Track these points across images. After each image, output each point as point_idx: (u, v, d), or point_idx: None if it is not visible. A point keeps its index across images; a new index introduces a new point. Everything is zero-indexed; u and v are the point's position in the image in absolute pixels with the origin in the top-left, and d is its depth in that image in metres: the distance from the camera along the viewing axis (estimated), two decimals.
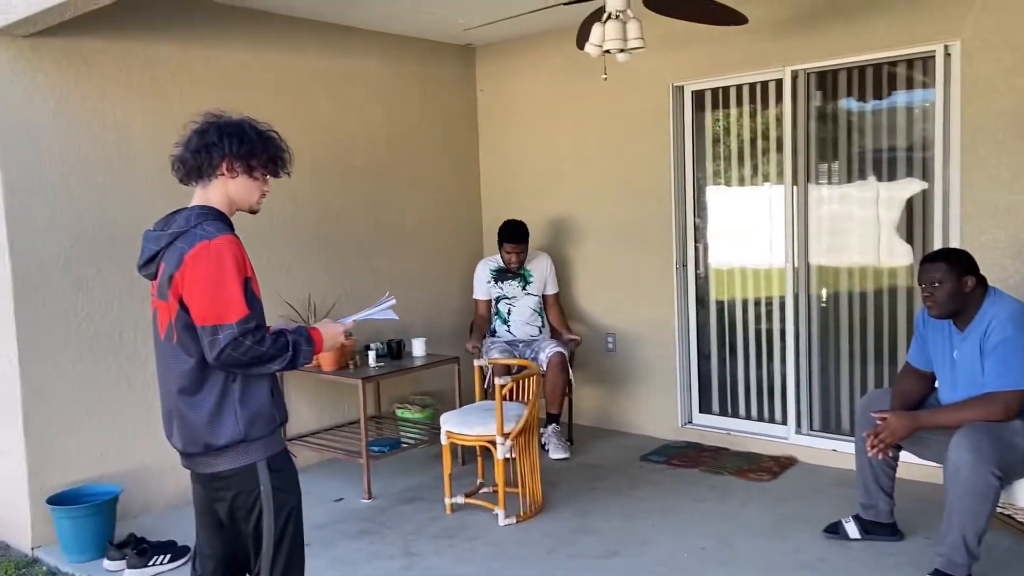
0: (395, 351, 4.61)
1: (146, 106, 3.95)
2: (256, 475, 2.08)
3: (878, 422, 3.05)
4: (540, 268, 5.03)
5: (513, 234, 4.88)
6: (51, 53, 3.63)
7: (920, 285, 3.04)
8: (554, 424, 4.69)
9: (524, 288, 4.98)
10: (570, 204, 5.24)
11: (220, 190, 2.11)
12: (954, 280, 2.94)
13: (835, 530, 3.40)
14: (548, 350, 4.68)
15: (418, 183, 5.27)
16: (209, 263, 1.98)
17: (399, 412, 4.91)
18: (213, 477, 2.09)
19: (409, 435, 4.63)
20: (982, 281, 2.99)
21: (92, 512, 3.48)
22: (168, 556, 3.38)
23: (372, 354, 4.44)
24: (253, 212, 2.22)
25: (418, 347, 4.64)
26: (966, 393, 2.97)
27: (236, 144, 2.07)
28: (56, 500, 3.55)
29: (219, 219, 2.09)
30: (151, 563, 3.34)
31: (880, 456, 3.07)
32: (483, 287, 5.05)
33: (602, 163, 5.05)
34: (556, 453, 4.60)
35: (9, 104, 3.52)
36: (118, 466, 3.87)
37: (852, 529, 3.36)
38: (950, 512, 2.81)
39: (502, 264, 4.99)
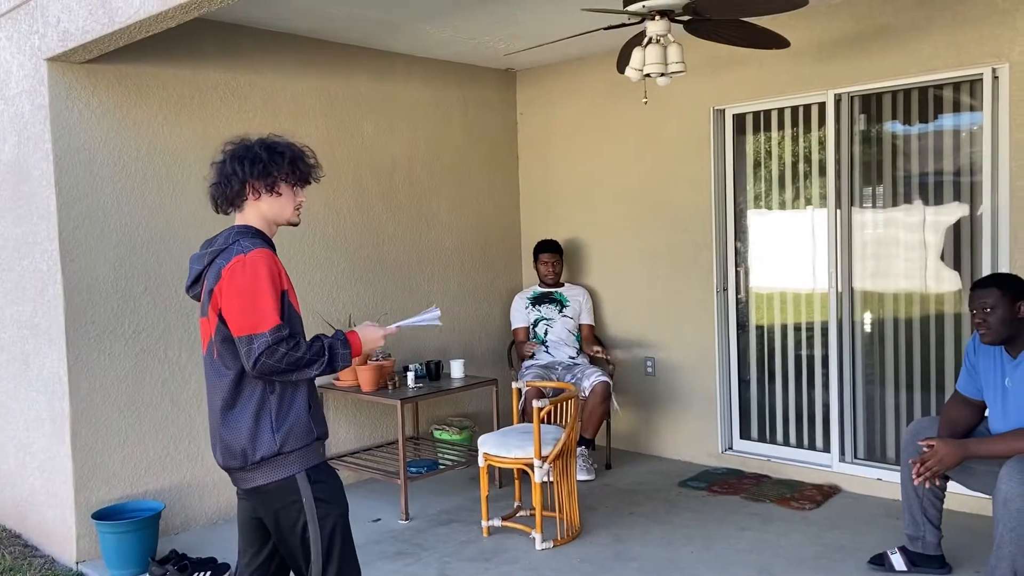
0: (433, 372, 4.63)
1: (195, 130, 4.06)
2: (296, 487, 2.10)
3: (925, 450, 2.97)
4: (576, 296, 5.11)
5: (546, 245, 5.13)
6: (105, 79, 3.76)
7: (971, 311, 2.98)
8: (583, 447, 4.66)
9: (561, 311, 5.02)
10: (610, 227, 5.24)
11: (254, 212, 2.19)
12: (1007, 305, 2.89)
13: (880, 562, 3.32)
14: (593, 378, 4.68)
15: (459, 206, 5.32)
16: (245, 275, 2.03)
17: (437, 433, 4.92)
18: (255, 492, 2.12)
19: (447, 457, 4.63)
20: None
21: (135, 528, 3.53)
22: (208, 573, 3.42)
23: (411, 375, 4.46)
24: (293, 224, 2.26)
25: (456, 369, 4.65)
26: (1018, 422, 2.89)
27: (248, 167, 2.13)
28: (100, 515, 3.61)
29: (257, 236, 2.15)
30: None
31: (927, 485, 2.99)
32: (521, 314, 5.10)
33: (642, 187, 5.05)
34: (580, 475, 4.55)
35: (66, 128, 3.64)
36: (160, 482, 3.94)
37: (898, 561, 3.27)
38: (1000, 545, 2.72)
39: (538, 290, 5.12)
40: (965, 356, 3.19)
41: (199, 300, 2.19)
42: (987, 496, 2.92)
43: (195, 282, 2.19)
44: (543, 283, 5.15)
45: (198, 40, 4.07)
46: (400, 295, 4.98)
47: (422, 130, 5.10)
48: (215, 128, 4.11)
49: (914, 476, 2.96)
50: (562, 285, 5.19)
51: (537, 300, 5.09)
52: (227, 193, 2.16)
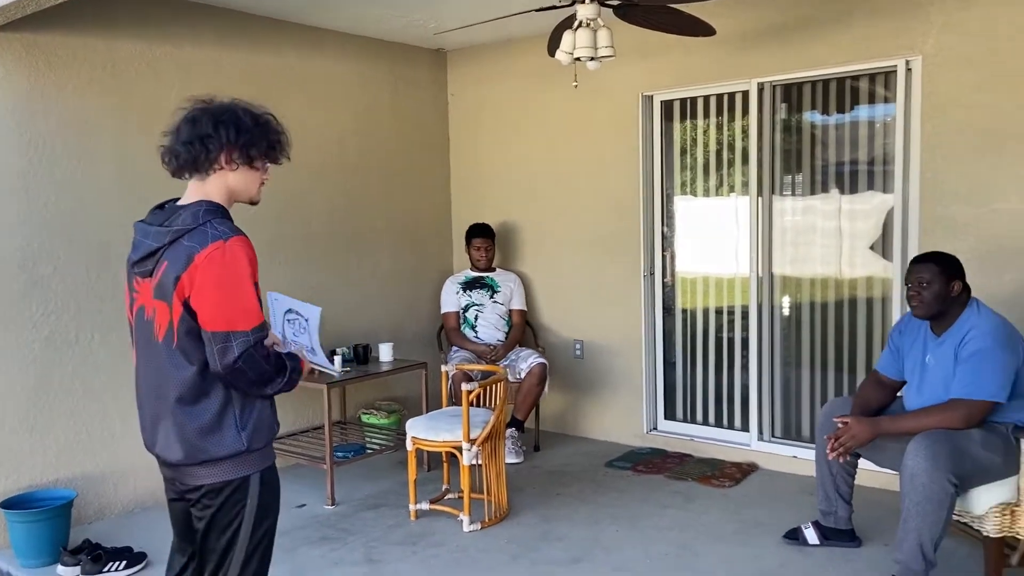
0: (361, 356, 4.57)
1: (109, 102, 3.88)
2: (247, 488, 1.98)
3: (839, 426, 3.09)
4: (508, 282, 5.10)
5: (479, 229, 5.09)
6: (11, 48, 3.55)
7: (907, 284, 3.08)
8: (513, 429, 4.69)
9: (492, 297, 5.02)
10: (540, 211, 5.25)
11: (219, 183, 1.98)
12: (942, 282, 2.98)
13: (795, 536, 3.44)
14: (532, 359, 4.70)
15: (389, 187, 5.25)
16: (224, 265, 1.87)
17: (364, 418, 4.87)
18: (199, 488, 1.98)
19: (374, 441, 4.59)
20: (967, 289, 3.03)
21: (46, 517, 3.39)
22: (124, 563, 3.31)
23: (338, 359, 4.39)
24: (254, 203, 2.10)
25: (385, 352, 4.61)
26: (931, 399, 3.02)
27: (233, 133, 1.94)
28: (8, 504, 3.45)
29: (227, 217, 1.97)
30: (106, 570, 3.26)
31: (840, 460, 3.11)
32: (452, 299, 5.07)
33: (572, 171, 5.07)
34: (509, 457, 4.58)
35: None
36: (73, 470, 3.78)
37: (811, 535, 3.40)
38: (907, 519, 2.85)
39: (470, 274, 5.09)
40: (890, 337, 3.32)
41: (147, 276, 1.95)
42: (896, 472, 3.05)
43: (147, 257, 1.94)
44: (475, 267, 5.13)
45: (111, 9, 3.88)
46: (327, 276, 4.89)
47: (352, 108, 5.00)
48: (129, 101, 3.94)
49: (828, 452, 3.08)
50: (494, 270, 5.18)
51: (468, 285, 5.06)
52: (199, 156, 1.93)
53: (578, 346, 5.17)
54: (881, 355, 3.37)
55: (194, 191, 1.99)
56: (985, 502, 2.92)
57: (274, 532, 2.09)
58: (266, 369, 1.92)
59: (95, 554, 3.27)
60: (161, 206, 2.03)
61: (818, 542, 3.39)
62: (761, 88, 4.37)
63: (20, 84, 3.59)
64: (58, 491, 3.62)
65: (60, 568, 3.32)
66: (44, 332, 3.68)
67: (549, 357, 5.13)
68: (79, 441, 3.81)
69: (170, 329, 1.92)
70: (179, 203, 2.00)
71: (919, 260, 3.08)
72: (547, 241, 5.24)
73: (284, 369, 1.97)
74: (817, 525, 3.41)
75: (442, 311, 5.14)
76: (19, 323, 3.61)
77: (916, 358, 3.15)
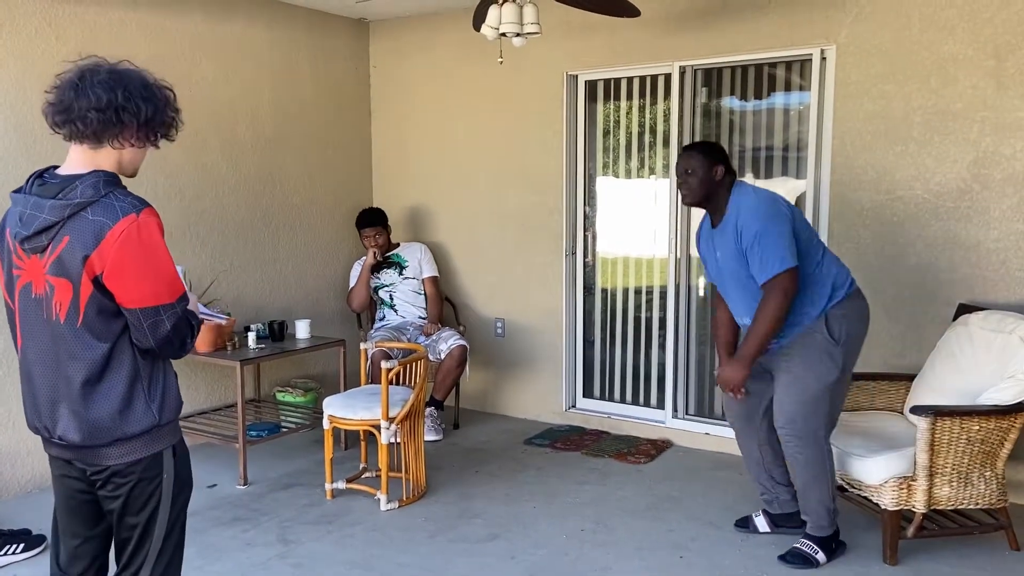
0: (277, 333, 4.46)
1: (4, 60, 3.63)
2: (161, 463, 1.93)
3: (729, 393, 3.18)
4: (413, 253, 5.00)
5: (368, 218, 4.90)
6: None
7: (677, 176, 3.19)
8: (432, 408, 4.67)
9: (400, 274, 4.94)
10: (463, 188, 5.21)
11: (111, 155, 1.86)
12: (705, 169, 3.08)
13: (745, 524, 3.45)
14: (451, 341, 4.65)
15: (307, 160, 5.11)
16: (141, 241, 1.79)
17: (280, 396, 4.76)
18: (108, 469, 1.90)
19: (290, 420, 4.49)
20: (731, 172, 3.13)
21: None
22: (21, 546, 3.16)
23: (252, 335, 4.28)
24: (131, 176, 1.97)
25: (302, 329, 4.51)
26: (737, 292, 3.14)
27: (151, 110, 1.84)
28: None
29: (125, 187, 1.87)
30: (3, 552, 3.10)
31: (738, 397, 3.15)
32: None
33: (495, 149, 5.04)
34: (428, 435, 4.55)
35: None
36: None
37: (761, 523, 3.40)
38: (805, 492, 3.12)
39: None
40: (699, 250, 3.37)
41: (38, 252, 1.82)
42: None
43: (41, 232, 1.81)
44: (373, 253, 4.92)
45: None
46: (241, 252, 4.74)
47: (267, 79, 4.83)
48: (27, 62, 3.70)
49: (734, 399, 3.18)
50: (397, 245, 5.06)
51: (375, 267, 4.95)
52: (108, 127, 1.80)
53: (499, 324, 5.17)
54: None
55: (81, 160, 1.85)
56: (882, 474, 3.06)
57: (187, 507, 2.04)
58: (187, 333, 1.92)
59: None
60: (40, 175, 1.88)
61: (768, 530, 3.38)
62: (683, 72, 4.43)
63: None
64: None
65: None
66: None
67: (470, 335, 5.12)
68: None
69: (74, 308, 1.81)
70: (62, 172, 1.86)
71: (684, 150, 3.23)
72: (470, 219, 5.21)
73: (193, 327, 1.95)
74: (767, 513, 3.41)
75: (350, 287, 5.03)
76: None
77: (711, 256, 3.23)
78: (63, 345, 1.84)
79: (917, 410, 3.04)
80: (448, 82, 5.18)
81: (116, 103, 1.80)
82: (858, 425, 3.45)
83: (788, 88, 4.26)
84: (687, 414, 4.65)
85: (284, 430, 4.31)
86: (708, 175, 3.08)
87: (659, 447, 4.49)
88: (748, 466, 3.43)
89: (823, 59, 4.02)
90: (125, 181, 1.92)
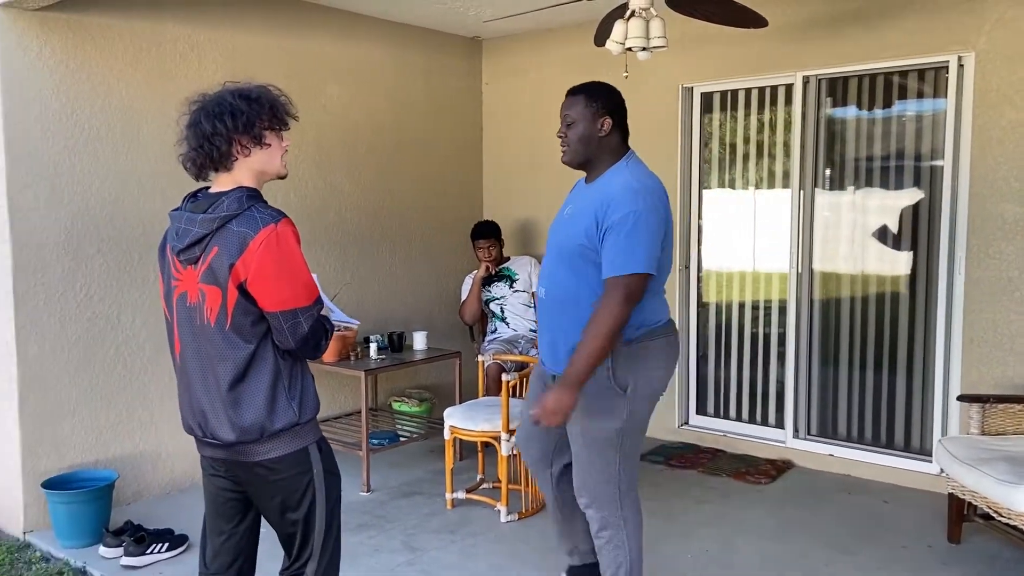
0: (396, 344, 4.57)
1: (152, 85, 3.88)
2: (309, 458, 2.05)
3: (533, 413, 2.43)
4: (523, 267, 5.00)
5: (483, 230, 4.93)
6: (58, 28, 3.55)
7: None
8: None
9: (511, 287, 4.97)
10: None
11: (245, 170, 2.02)
12: (588, 120, 2.46)
13: None
14: None
15: (422, 175, 5.23)
16: (280, 248, 1.94)
17: (396, 405, 4.87)
18: (260, 465, 2.02)
19: (405, 429, 4.59)
20: (622, 130, 2.53)
21: (89, 498, 3.41)
22: (166, 544, 3.32)
23: (373, 346, 4.39)
24: (282, 177, 2.12)
25: (419, 340, 4.60)
26: (552, 262, 2.52)
27: (231, 121, 1.95)
28: (49, 484, 3.47)
29: (263, 199, 2.03)
30: (149, 551, 3.27)
31: (555, 425, 2.41)
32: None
33: None
34: None
35: (17, 79, 3.43)
36: (112, 451, 3.80)
37: None
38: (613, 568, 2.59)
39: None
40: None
41: (192, 263, 1.98)
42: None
43: (194, 244, 1.97)
44: (486, 266, 4.97)
45: None
46: (360, 264, 4.89)
47: (386, 97, 4.98)
48: (173, 84, 3.93)
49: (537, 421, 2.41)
50: (507, 259, 5.10)
51: (487, 281, 5.01)
52: (213, 155, 1.96)
53: None
54: None
55: (224, 179, 2.03)
56: None
57: (340, 500, 2.15)
58: (322, 335, 2.05)
59: (138, 536, 3.28)
60: (194, 195, 2.07)
61: None
62: (806, 81, 4.32)
63: (67, 65, 3.58)
64: (99, 472, 3.64)
65: (102, 549, 3.34)
66: (87, 313, 3.69)
67: None
68: (120, 422, 3.82)
69: (223, 312, 1.96)
70: (211, 191, 2.04)
71: (569, 92, 2.54)
72: None
73: (327, 331, 2.08)
74: (570, 571, 2.89)
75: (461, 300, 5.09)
76: (63, 304, 3.61)
77: (562, 211, 2.59)
78: (214, 348, 1.98)
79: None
80: (559, 98, 5.18)
81: (205, 133, 1.96)
82: (1005, 450, 3.26)
83: (920, 96, 4.09)
84: (809, 434, 4.50)
85: (403, 439, 4.40)
86: (591, 129, 2.45)
87: (779, 467, 4.36)
88: (552, 515, 2.87)
89: (960, 66, 3.85)
90: (276, 185, 2.04)
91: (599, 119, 2.47)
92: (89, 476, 3.59)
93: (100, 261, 3.73)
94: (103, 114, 3.72)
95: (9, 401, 3.53)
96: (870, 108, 4.25)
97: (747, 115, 4.65)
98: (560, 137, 2.53)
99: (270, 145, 2.04)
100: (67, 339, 3.63)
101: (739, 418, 4.79)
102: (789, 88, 4.41)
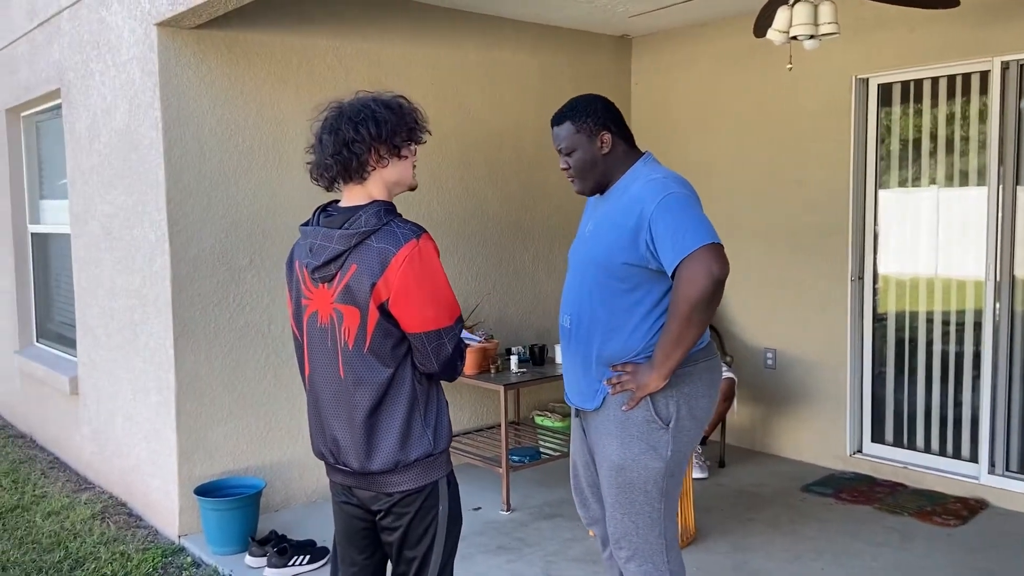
0: (537, 357, 4.41)
1: (301, 99, 3.93)
2: (437, 495, 1.92)
3: (618, 372, 2.17)
4: None
5: None
6: (214, 45, 3.66)
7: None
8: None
9: None
10: (730, 207, 4.86)
11: (378, 182, 1.89)
12: (585, 142, 2.22)
13: None
14: None
15: (564, 181, 5.04)
16: (424, 265, 1.82)
17: (539, 420, 4.71)
18: (388, 497, 1.90)
19: (548, 445, 4.41)
20: (627, 137, 2.27)
21: (238, 506, 3.47)
22: (308, 557, 3.32)
23: (514, 359, 4.25)
24: (412, 189, 2.00)
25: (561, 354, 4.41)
26: (576, 280, 2.26)
27: (374, 129, 1.84)
28: (201, 491, 3.56)
29: (401, 215, 1.90)
30: (291, 563, 3.28)
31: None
32: None
33: (767, 162, 4.64)
34: (694, 472, 4.24)
35: (175, 95, 3.56)
36: (260, 459, 3.87)
37: None
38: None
39: None
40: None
41: (326, 281, 1.86)
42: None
43: (330, 261, 1.85)
44: None
45: (306, 5, 3.93)
46: (503, 273, 4.77)
47: (531, 101, 4.84)
48: (322, 97, 3.92)
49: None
50: None
51: None
52: (350, 164, 1.84)
53: (770, 355, 4.73)
54: None
55: (356, 194, 1.90)
56: None
57: (458, 542, 2.02)
58: (458, 356, 1.93)
59: (281, 547, 3.29)
60: (324, 209, 1.95)
61: None
62: (1005, 67, 3.76)
63: (222, 81, 3.69)
64: (248, 479, 3.71)
65: (248, 558, 3.38)
66: (240, 322, 3.78)
67: (737, 366, 4.74)
68: (268, 430, 3.89)
69: (362, 334, 1.84)
70: (344, 205, 1.92)
71: (552, 124, 2.29)
72: (735, 239, 4.83)
73: (463, 351, 1.97)
74: None
75: None
76: (218, 313, 3.72)
77: (583, 228, 2.33)
78: (350, 371, 1.86)
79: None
80: (714, 94, 4.87)
81: (346, 139, 1.84)
82: None
83: None
84: (1008, 469, 3.91)
85: (544, 456, 4.22)
86: (592, 151, 2.22)
87: (972, 507, 3.82)
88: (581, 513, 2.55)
89: None
90: (408, 197, 1.92)
91: (596, 138, 2.23)
92: (238, 483, 3.67)
93: (252, 272, 3.82)
94: (255, 129, 3.80)
95: (167, 408, 3.67)
96: None
97: (934, 107, 4.12)
98: (564, 170, 2.29)
99: (406, 157, 1.92)
100: (220, 348, 3.73)
101: (924, 448, 4.24)
102: (984, 75, 3.86)
